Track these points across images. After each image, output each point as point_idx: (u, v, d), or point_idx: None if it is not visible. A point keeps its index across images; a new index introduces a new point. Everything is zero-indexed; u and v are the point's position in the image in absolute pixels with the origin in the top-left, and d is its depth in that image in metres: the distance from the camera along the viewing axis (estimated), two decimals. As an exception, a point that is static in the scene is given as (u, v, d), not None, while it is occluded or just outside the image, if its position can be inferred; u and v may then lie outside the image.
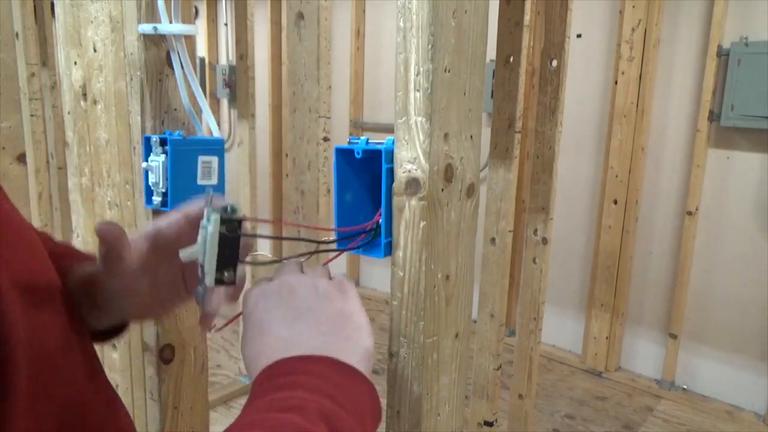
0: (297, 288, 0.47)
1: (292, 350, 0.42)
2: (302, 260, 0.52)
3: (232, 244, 0.47)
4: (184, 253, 0.47)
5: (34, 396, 0.36)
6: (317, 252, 0.56)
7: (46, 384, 0.38)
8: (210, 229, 0.46)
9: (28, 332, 0.36)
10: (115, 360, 0.92)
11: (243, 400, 2.37)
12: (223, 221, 0.46)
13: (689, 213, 2.38)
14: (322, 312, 0.45)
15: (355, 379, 0.42)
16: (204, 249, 0.46)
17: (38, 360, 0.38)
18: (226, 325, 0.56)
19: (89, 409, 0.44)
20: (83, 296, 0.51)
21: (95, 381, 0.47)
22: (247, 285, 0.54)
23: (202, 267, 0.47)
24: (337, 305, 0.46)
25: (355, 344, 0.45)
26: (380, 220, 0.54)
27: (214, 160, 0.77)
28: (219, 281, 0.47)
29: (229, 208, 0.46)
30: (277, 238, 0.59)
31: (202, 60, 4.19)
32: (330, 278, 0.50)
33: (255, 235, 0.53)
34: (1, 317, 0.34)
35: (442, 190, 0.53)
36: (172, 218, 0.52)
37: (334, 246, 0.57)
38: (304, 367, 0.41)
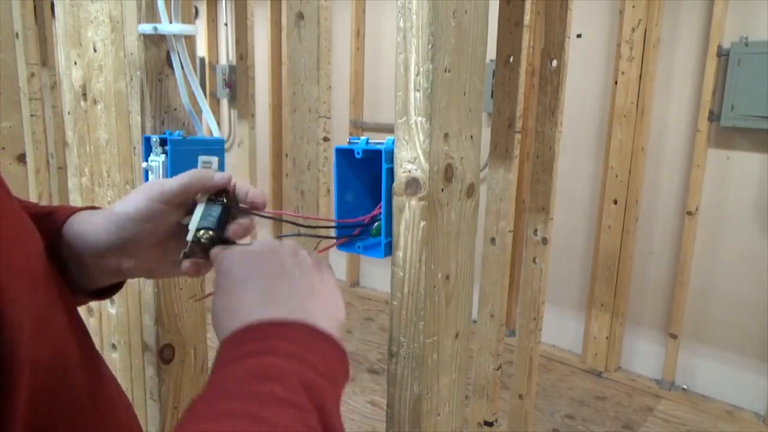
0: (279, 251, 0.47)
1: (268, 310, 0.41)
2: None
3: (216, 210, 0.51)
4: (186, 219, 0.52)
5: (34, 395, 0.37)
6: (315, 236, 0.57)
7: (46, 381, 0.38)
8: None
9: (30, 324, 0.36)
10: (115, 360, 0.92)
11: (243, 400, 2.38)
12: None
13: (689, 213, 2.38)
14: (300, 277, 0.45)
15: (331, 346, 0.41)
16: (195, 213, 0.51)
17: (41, 350, 0.38)
18: (207, 296, 0.56)
19: (86, 402, 0.44)
20: (79, 258, 0.50)
21: (94, 373, 0.47)
22: None
23: (196, 234, 0.51)
24: (315, 275, 0.47)
25: (330, 315, 0.45)
26: (378, 214, 0.54)
27: (214, 160, 0.77)
28: (196, 240, 0.50)
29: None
30: (274, 219, 0.57)
31: (202, 60, 4.19)
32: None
33: (247, 210, 0.54)
34: (3, 314, 0.34)
35: (442, 190, 0.53)
36: (173, 182, 0.53)
37: (331, 233, 0.57)
38: (280, 332, 0.39)
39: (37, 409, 0.37)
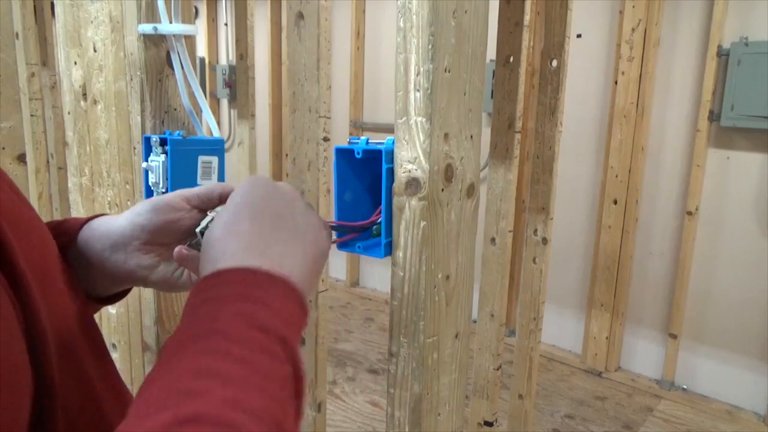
0: (297, 200, 0.47)
1: (265, 256, 0.41)
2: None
3: None
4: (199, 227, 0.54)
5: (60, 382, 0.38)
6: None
7: (66, 370, 0.40)
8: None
9: (48, 319, 0.38)
10: (116, 360, 0.92)
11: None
12: None
13: (689, 213, 2.38)
14: (308, 241, 0.45)
15: (305, 311, 0.41)
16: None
17: (59, 344, 0.39)
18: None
19: (98, 395, 0.46)
20: (89, 266, 0.52)
21: (104, 369, 0.48)
22: None
23: (202, 233, 0.53)
24: (324, 245, 0.48)
25: (313, 282, 0.46)
26: (378, 219, 0.54)
27: (214, 160, 0.77)
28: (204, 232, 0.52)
29: None
30: None
31: (202, 60, 4.19)
32: None
33: None
34: (29, 302, 0.35)
35: (442, 190, 0.53)
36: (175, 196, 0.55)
37: (335, 245, 0.57)
38: (269, 284, 0.39)
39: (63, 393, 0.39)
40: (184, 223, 0.53)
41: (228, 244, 0.42)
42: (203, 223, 0.53)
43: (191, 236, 0.55)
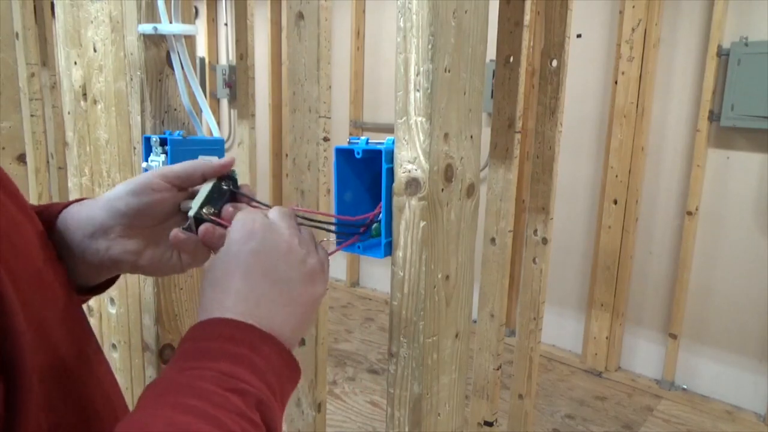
0: (292, 252, 0.46)
1: (254, 314, 0.42)
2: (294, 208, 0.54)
3: (221, 195, 0.53)
4: (185, 203, 0.53)
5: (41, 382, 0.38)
6: (317, 228, 0.58)
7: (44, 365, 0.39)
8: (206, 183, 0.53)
9: (27, 317, 0.37)
10: (115, 360, 0.92)
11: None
12: (221, 177, 0.54)
13: (689, 213, 2.38)
14: (300, 293, 0.46)
15: (293, 369, 0.43)
16: (200, 193, 0.53)
17: (41, 342, 0.39)
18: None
19: (82, 382, 0.45)
20: (71, 255, 0.50)
21: (86, 350, 0.47)
22: None
23: (196, 218, 0.52)
24: (318, 291, 0.47)
25: (300, 329, 0.46)
26: (380, 213, 0.54)
27: (215, 160, 0.77)
28: (198, 217, 0.51)
29: (232, 171, 0.56)
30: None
31: (202, 60, 4.19)
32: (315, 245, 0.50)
33: (248, 196, 0.55)
34: (3, 304, 0.34)
35: (442, 190, 0.53)
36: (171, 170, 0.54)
37: (334, 238, 0.57)
38: (259, 343, 0.41)
39: (47, 407, 0.38)
40: (166, 204, 0.52)
41: (223, 295, 0.43)
42: (194, 207, 0.51)
43: (176, 216, 0.53)
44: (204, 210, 0.51)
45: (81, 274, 0.51)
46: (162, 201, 0.51)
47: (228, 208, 0.52)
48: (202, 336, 0.41)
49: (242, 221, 0.46)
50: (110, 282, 0.55)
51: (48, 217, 0.50)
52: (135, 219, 0.51)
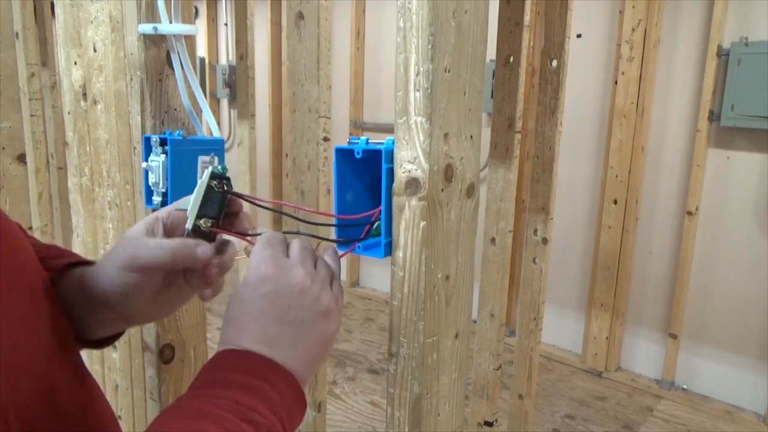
0: (305, 293, 0.48)
1: (271, 349, 0.45)
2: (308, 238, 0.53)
3: (215, 198, 0.52)
4: (179, 203, 0.52)
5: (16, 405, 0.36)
6: (316, 236, 0.58)
7: (27, 393, 0.38)
8: (200, 181, 0.52)
9: (7, 338, 0.36)
10: (115, 360, 0.92)
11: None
12: (214, 176, 0.52)
13: (689, 213, 2.38)
14: (314, 332, 0.48)
15: (301, 405, 0.46)
16: (194, 199, 0.52)
17: (18, 369, 0.37)
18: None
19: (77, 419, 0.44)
20: (80, 302, 0.49)
21: (82, 391, 0.46)
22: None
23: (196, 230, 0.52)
24: (331, 329, 0.49)
25: (316, 367, 0.49)
26: (381, 212, 0.54)
27: (215, 160, 0.77)
28: (196, 228, 0.51)
29: (221, 168, 0.53)
30: (273, 210, 0.59)
31: (202, 60, 4.19)
32: (331, 280, 0.51)
33: (244, 197, 0.54)
34: None
35: (442, 190, 0.53)
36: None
37: (333, 231, 0.57)
38: (273, 376, 0.44)
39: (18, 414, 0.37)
40: (154, 283, 0.51)
41: (239, 336, 0.45)
42: (190, 217, 0.51)
43: (168, 282, 0.52)
44: (202, 222, 0.51)
45: (87, 328, 0.51)
46: (147, 286, 0.50)
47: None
48: (222, 366, 0.43)
49: (257, 262, 0.47)
50: (117, 336, 0.55)
51: (52, 266, 0.49)
52: (141, 288, 0.50)
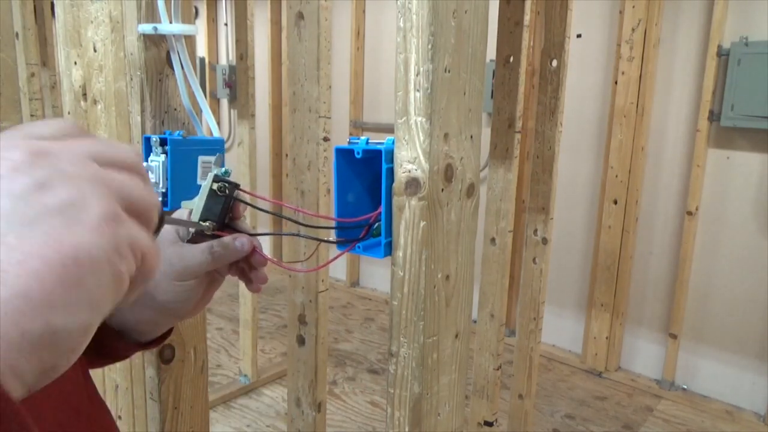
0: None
1: None
2: None
3: (218, 201, 0.52)
4: (184, 203, 0.53)
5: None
6: (317, 239, 0.57)
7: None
8: (204, 183, 0.52)
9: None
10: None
11: (243, 400, 2.38)
12: (217, 180, 0.52)
13: (689, 213, 2.38)
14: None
15: None
16: (197, 202, 0.52)
17: None
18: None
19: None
20: (137, 312, 0.51)
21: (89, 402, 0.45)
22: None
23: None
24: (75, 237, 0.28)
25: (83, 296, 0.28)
26: (380, 215, 0.54)
27: (220, 161, 0.77)
28: (199, 230, 0.51)
29: (224, 171, 0.54)
30: (274, 214, 0.59)
31: (202, 60, 4.19)
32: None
33: (246, 202, 0.55)
34: None
35: (442, 190, 0.53)
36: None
37: (332, 231, 0.57)
38: None
39: None
40: (209, 262, 0.52)
41: None
42: (193, 218, 0.52)
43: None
44: (207, 224, 0.52)
45: (143, 332, 0.52)
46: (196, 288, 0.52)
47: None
48: None
49: None
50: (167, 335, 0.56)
51: None
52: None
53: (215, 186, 0.52)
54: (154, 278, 0.32)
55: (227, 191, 0.53)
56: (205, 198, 0.52)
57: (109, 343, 0.51)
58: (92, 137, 0.31)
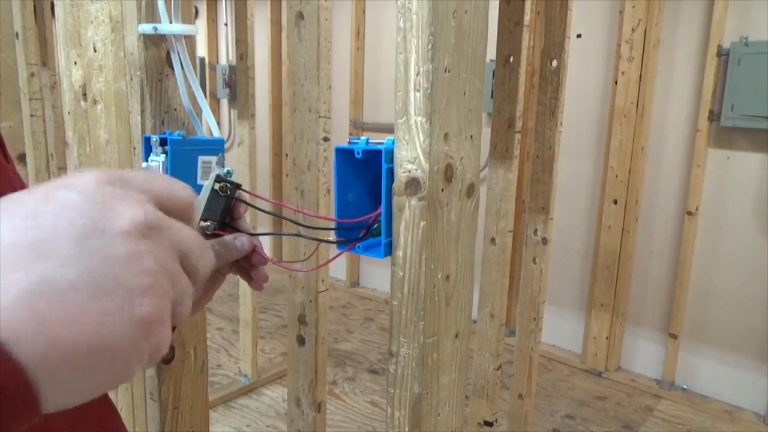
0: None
1: None
2: None
3: (219, 201, 0.52)
4: None
5: None
6: (317, 239, 0.57)
7: None
8: (206, 183, 0.52)
9: None
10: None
11: (243, 400, 2.38)
12: (219, 180, 0.52)
13: (689, 213, 2.38)
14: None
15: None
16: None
17: None
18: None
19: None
20: None
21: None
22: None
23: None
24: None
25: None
26: (380, 215, 0.54)
27: (214, 160, 0.77)
28: (201, 229, 0.51)
29: (226, 172, 0.54)
30: (275, 215, 0.59)
31: (202, 60, 4.19)
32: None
33: (247, 202, 0.55)
34: None
35: (442, 190, 0.53)
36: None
37: (332, 232, 0.57)
38: None
39: None
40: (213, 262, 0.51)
41: None
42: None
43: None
44: (208, 224, 0.52)
45: None
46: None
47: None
48: None
49: None
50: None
51: None
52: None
53: (217, 186, 0.52)
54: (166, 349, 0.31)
55: (229, 192, 0.53)
56: (206, 198, 0.52)
57: None
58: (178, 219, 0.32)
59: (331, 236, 0.57)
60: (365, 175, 0.58)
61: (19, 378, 0.22)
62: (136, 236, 0.27)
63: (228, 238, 0.51)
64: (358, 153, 0.54)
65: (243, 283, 2.36)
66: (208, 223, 0.52)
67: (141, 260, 0.26)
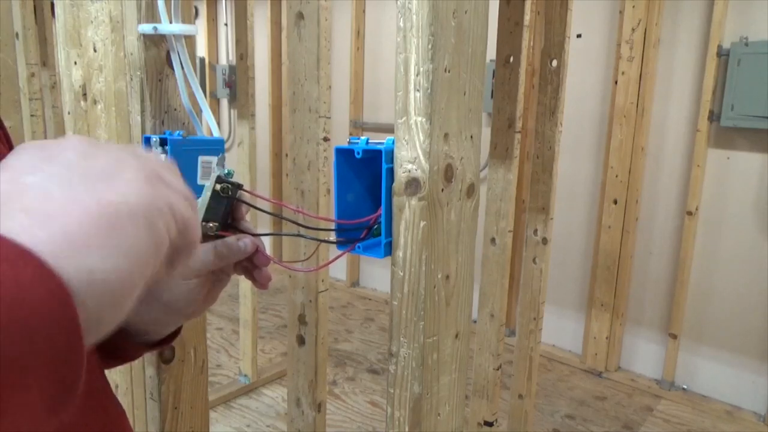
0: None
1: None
2: None
3: (220, 202, 0.52)
4: None
5: None
6: (317, 239, 0.57)
7: None
8: (207, 184, 0.52)
9: None
10: (115, 360, 0.92)
11: (243, 400, 2.38)
12: (220, 181, 0.52)
13: (689, 213, 2.38)
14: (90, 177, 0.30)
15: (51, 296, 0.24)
16: (200, 203, 0.52)
17: None
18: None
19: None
20: (144, 312, 0.51)
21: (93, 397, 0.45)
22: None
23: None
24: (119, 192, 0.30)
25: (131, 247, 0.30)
26: (380, 216, 0.54)
27: (214, 160, 0.77)
28: (203, 232, 0.51)
29: (227, 172, 0.54)
30: (276, 216, 0.59)
31: (202, 60, 4.19)
32: None
33: (247, 203, 0.55)
34: None
35: (442, 190, 0.53)
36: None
37: (332, 233, 0.57)
38: None
39: None
40: (213, 261, 0.51)
41: None
42: (199, 212, 0.51)
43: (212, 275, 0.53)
44: (210, 225, 0.52)
45: (152, 332, 0.52)
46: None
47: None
48: None
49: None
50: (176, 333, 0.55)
51: None
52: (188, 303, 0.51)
53: (218, 187, 0.52)
54: (195, 250, 0.34)
55: (230, 192, 0.53)
56: (208, 199, 0.52)
57: (118, 343, 0.51)
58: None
59: (332, 237, 0.57)
60: (365, 175, 0.58)
61: (62, 291, 0.23)
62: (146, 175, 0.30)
63: (231, 239, 0.51)
64: (358, 153, 0.54)
65: (243, 283, 2.36)
66: (211, 224, 0.52)
67: (93, 154, 0.29)
